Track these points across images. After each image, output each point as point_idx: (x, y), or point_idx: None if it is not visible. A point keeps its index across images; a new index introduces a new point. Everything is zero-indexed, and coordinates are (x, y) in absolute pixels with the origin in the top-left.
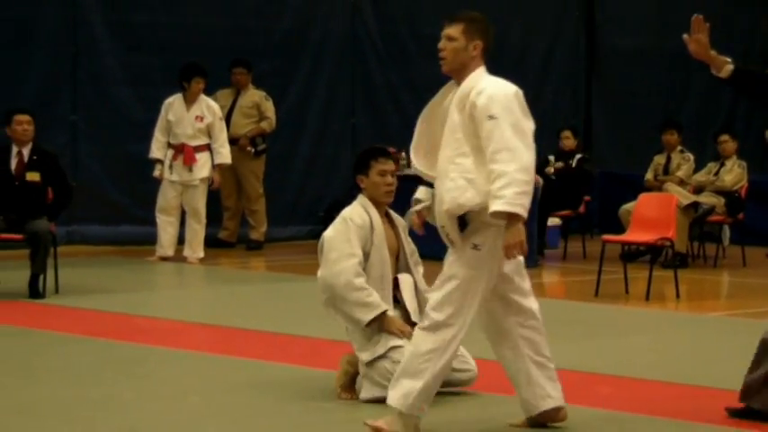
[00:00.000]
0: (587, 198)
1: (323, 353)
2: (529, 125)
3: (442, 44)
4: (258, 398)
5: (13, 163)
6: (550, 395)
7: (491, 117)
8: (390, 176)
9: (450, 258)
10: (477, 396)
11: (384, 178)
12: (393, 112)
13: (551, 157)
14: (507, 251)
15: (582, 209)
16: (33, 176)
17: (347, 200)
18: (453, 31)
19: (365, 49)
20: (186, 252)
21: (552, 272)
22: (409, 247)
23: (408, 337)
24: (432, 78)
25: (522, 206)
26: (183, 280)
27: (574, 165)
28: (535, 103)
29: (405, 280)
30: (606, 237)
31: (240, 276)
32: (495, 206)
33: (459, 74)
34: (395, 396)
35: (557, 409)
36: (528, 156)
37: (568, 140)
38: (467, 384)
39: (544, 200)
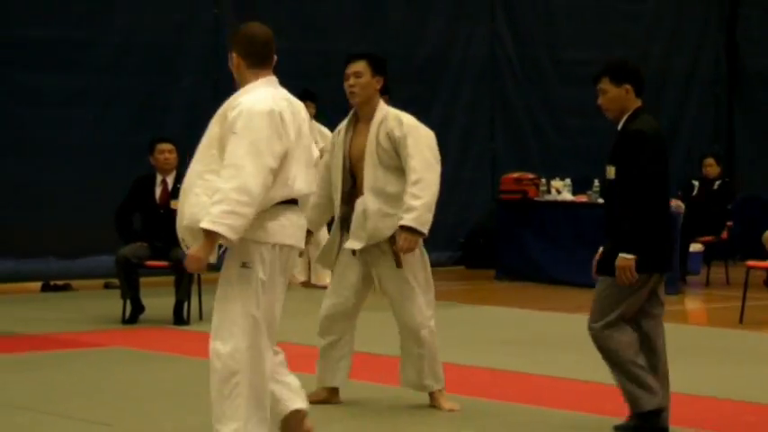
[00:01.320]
0: (729, 223)
1: (466, 378)
2: (274, 147)
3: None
4: (408, 424)
5: (158, 191)
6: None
7: (233, 132)
8: (353, 78)
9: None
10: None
11: (346, 81)
12: (532, 135)
13: (695, 183)
14: (187, 263)
15: (724, 234)
16: (177, 204)
17: (488, 225)
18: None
19: (504, 73)
20: (313, 279)
21: (695, 298)
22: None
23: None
24: (571, 102)
25: (227, 226)
26: (318, 306)
27: (715, 188)
28: (675, 130)
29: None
30: (751, 262)
31: (376, 304)
32: (202, 222)
33: None
34: None
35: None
36: (254, 178)
37: (712, 168)
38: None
39: (686, 226)
